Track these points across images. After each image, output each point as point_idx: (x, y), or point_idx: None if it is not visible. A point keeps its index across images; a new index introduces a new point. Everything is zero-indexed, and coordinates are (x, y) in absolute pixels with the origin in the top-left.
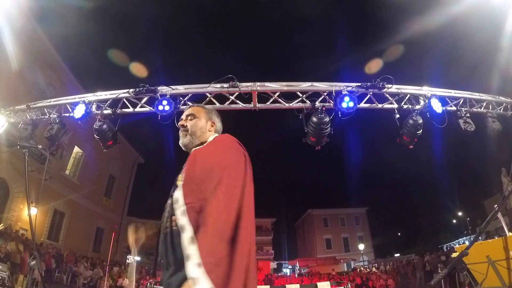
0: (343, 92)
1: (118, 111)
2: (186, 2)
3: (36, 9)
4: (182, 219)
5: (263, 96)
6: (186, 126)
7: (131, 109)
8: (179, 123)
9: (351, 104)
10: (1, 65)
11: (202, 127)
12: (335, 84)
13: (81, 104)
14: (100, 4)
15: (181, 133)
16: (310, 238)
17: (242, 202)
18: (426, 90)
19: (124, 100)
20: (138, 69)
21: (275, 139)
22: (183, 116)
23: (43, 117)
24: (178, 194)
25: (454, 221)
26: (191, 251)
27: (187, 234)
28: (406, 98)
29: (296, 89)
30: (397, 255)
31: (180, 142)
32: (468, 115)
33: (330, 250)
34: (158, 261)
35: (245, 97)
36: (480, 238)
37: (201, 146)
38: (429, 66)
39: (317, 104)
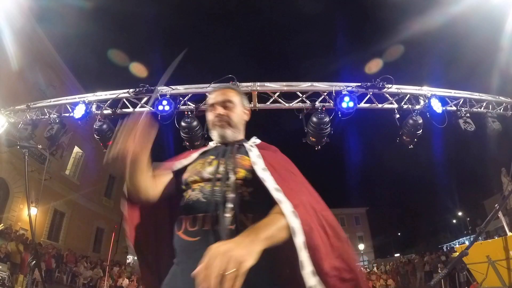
0: (343, 92)
1: (118, 111)
2: (186, 2)
3: (36, 9)
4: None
5: (263, 96)
6: (226, 116)
7: (131, 109)
8: (216, 112)
9: (351, 104)
10: (1, 65)
11: (242, 118)
12: (335, 84)
13: (81, 104)
14: (100, 4)
15: (218, 123)
16: None
17: None
18: (426, 90)
19: (124, 100)
20: (138, 69)
21: (275, 139)
22: (217, 102)
23: (43, 117)
24: (280, 195)
25: (454, 221)
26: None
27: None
28: (406, 98)
29: (296, 89)
30: (397, 255)
31: (218, 133)
32: (468, 115)
33: None
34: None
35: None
36: (480, 238)
37: (257, 143)
38: (429, 66)
39: (317, 104)
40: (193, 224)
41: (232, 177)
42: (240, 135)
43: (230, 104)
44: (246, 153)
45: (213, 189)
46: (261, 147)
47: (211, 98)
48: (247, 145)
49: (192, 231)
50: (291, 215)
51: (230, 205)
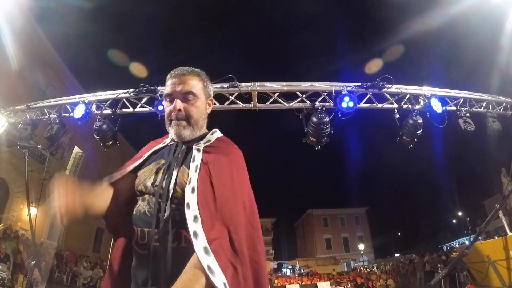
0: (343, 92)
1: (118, 111)
2: (186, 2)
3: (36, 9)
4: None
5: (263, 96)
6: (185, 112)
7: (131, 109)
8: (173, 107)
9: (351, 104)
10: (1, 65)
11: (204, 112)
12: (335, 84)
13: (81, 104)
14: (100, 4)
15: (175, 121)
16: (310, 238)
17: None
18: (426, 90)
19: (124, 100)
20: (138, 69)
21: (275, 139)
22: (176, 93)
23: (43, 117)
24: (196, 226)
25: (454, 221)
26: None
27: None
28: (406, 98)
29: (296, 89)
30: (397, 255)
31: (174, 133)
32: (468, 115)
33: (330, 250)
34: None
35: (245, 97)
36: (480, 238)
37: (211, 142)
38: (429, 66)
39: (317, 104)
40: (142, 238)
41: (170, 195)
42: (200, 132)
43: (191, 97)
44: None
45: (156, 204)
46: (213, 149)
47: (168, 86)
48: (195, 149)
49: (142, 244)
50: (201, 253)
51: (170, 224)
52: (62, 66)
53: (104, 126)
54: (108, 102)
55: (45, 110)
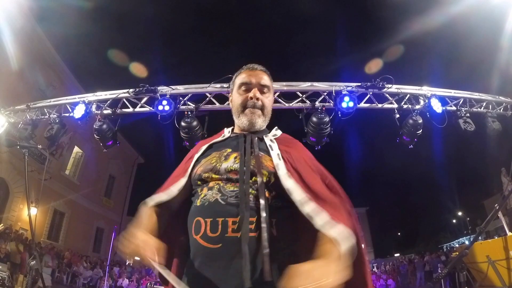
0: (343, 92)
1: (118, 111)
2: (186, 1)
3: (36, 9)
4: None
5: None
6: (262, 102)
7: (131, 109)
8: (252, 95)
9: (351, 104)
10: (1, 65)
11: (271, 108)
12: (335, 84)
13: (81, 104)
14: (100, 4)
15: (250, 109)
16: None
17: None
18: (426, 90)
19: (124, 100)
20: (138, 69)
21: None
22: (253, 84)
23: (43, 117)
24: (310, 208)
25: (454, 221)
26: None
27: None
28: (406, 98)
29: (296, 89)
30: (397, 255)
31: (248, 120)
32: (468, 115)
33: None
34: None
35: None
36: (480, 238)
37: (278, 136)
38: (429, 66)
39: (317, 104)
40: (214, 229)
41: (259, 180)
42: (265, 126)
43: (266, 90)
44: (267, 150)
45: (235, 190)
46: (283, 141)
47: (242, 78)
48: (268, 139)
49: (213, 238)
50: (329, 227)
51: (253, 211)
52: (62, 66)
53: (104, 126)
54: (108, 102)
55: (45, 110)
